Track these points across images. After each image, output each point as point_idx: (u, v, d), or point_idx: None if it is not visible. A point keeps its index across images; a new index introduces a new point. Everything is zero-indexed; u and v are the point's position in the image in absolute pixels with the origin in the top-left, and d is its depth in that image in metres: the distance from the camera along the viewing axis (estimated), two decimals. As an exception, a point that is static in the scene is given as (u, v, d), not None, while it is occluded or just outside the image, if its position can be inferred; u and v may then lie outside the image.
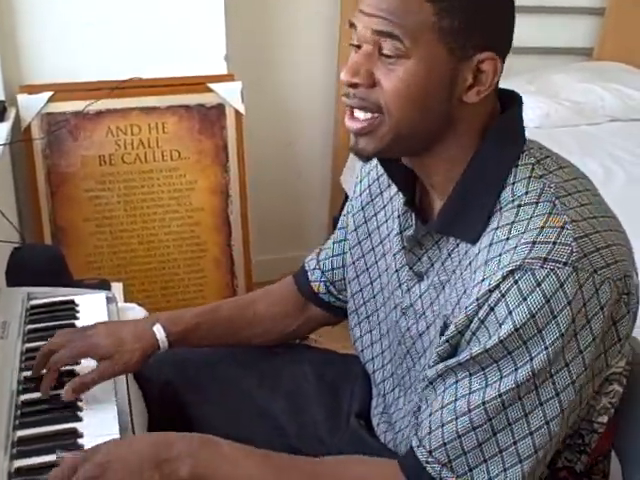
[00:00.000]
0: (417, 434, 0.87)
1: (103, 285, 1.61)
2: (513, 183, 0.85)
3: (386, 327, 1.05)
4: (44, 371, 1.02)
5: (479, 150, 0.87)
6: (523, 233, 0.80)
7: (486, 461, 0.82)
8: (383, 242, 1.05)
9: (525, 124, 0.90)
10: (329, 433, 1.15)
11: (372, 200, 1.08)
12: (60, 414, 0.98)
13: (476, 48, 0.83)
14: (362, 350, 1.12)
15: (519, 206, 0.83)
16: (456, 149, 0.88)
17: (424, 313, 0.95)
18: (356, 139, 0.88)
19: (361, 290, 1.10)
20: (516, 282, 0.78)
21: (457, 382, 0.84)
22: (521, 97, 0.92)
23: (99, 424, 0.97)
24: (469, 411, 0.81)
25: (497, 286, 0.79)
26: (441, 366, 0.85)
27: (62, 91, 2.08)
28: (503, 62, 0.85)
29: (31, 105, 2.06)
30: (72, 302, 1.26)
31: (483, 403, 0.81)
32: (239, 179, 2.27)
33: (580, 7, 2.94)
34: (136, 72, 2.12)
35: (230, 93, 2.21)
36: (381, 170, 1.03)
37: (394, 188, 1.02)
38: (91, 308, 1.24)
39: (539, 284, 0.77)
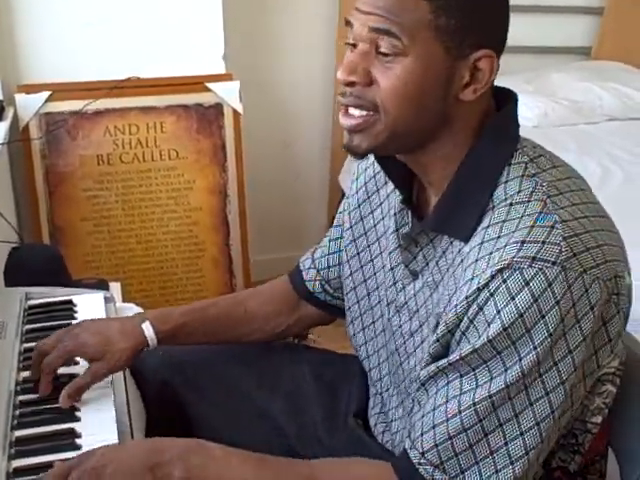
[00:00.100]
0: (410, 436, 0.87)
1: (101, 285, 1.62)
2: (506, 181, 0.85)
3: (381, 325, 1.05)
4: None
5: (474, 148, 0.87)
6: (513, 232, 0.80)
7: (478, 462, 0.82)
8: (379, 240, 1.05)
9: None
10: (327, 433, 1.15)
11: (369, 197, 1.08)
12: (58, 414, 0.98)
13: (473, 46, 0.83)
14: (358, 348, 1.12)
15: (511, 205, 0.83)
16: (451, 147, 0.88)
17: (418, 311, 0.96)
18: (350, 136, 0.88)
19: (356, 288, 1.10)
20: (505, 281, 0.78)
21: (448, 383, 0.84)
22: (516, 95, 0.91)
23: (97, 424, 0.97)
24: (460, 412, 0.81)
25: (486, 285, 0.79)
26: (432, 367, 0.85)
27: (60, 91, 2.08)
28: (499, 60, 0.85)
29: (29, 105, 2.06)
30: (70, 302, 1.26)
31: (474, 404, 0.81)
32: (237, 179, 2.27)
33: (579, 6, 2.95)
34: (134, 72, 2.12)
35: (228, 93, 2.21)
36: (378, 167, 1.03)
37: (391, 186, 1.01)
38: (89, 308, 1.24)
39: (527, 283, 0.77)
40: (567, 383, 0.80)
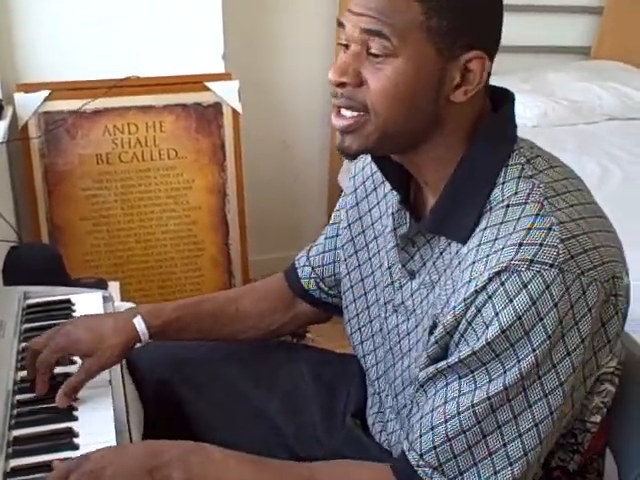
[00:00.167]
0: (408, 437, 0.87)
1: (100, 284, 1.62)
2: (503, 183, 0.85)
3: (378, 324, 1.05)
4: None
5: (469, 149, 0.87)
6: (511, 234, 0.80)
7: (476, 464, 0.82)
8: (377, 238, 1.05)
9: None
10: (326, 433, 1.15)
11: (367, 196, 1.08)
12: (56, 413, 0.98)
13: (464, 47, 0.82)
14: (356, 347, 1.11)
15: (508, 206, 0.83)
16: (444, 149, 0.87)
17: (414, 311, 0.95)
18: (342, 137, 0.88)
19: (353, 286, 1.09)
20: (502, 284, 0.78)
21: (447, 385, 0.84)
22: (514, 95, 0.91)
23: (95, 423, 0.97)
24: (458, 414, 0.81)
25: (484, 287, 0.79)
26: (431, 369, 0.85)
27: (59, 90, 2.08)
28: (491, 61, 0.85)
29: (28, 104, 2.06)
30: (68, 301, 1.26)
31: (472, 406, 0.80)
32: (236, 178, 2.27)
33: (578, 6, 2.95)
34: (133, 71, 2.12)
35: (227, 92, 2.21)
36: (375, 167, 1.03)
37: (388, 185, 1.01)
38: (88, 307, 1.24)
39: (525, 286, 0.77)
40: (566, 385, 0.80)
